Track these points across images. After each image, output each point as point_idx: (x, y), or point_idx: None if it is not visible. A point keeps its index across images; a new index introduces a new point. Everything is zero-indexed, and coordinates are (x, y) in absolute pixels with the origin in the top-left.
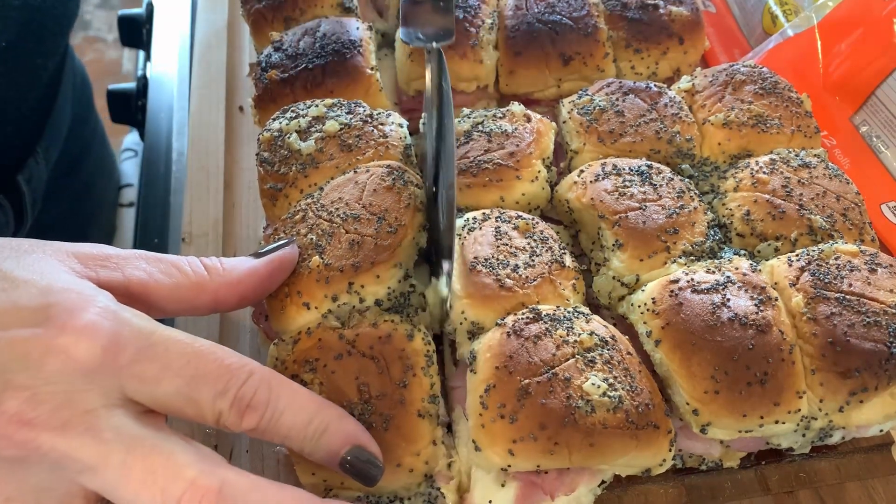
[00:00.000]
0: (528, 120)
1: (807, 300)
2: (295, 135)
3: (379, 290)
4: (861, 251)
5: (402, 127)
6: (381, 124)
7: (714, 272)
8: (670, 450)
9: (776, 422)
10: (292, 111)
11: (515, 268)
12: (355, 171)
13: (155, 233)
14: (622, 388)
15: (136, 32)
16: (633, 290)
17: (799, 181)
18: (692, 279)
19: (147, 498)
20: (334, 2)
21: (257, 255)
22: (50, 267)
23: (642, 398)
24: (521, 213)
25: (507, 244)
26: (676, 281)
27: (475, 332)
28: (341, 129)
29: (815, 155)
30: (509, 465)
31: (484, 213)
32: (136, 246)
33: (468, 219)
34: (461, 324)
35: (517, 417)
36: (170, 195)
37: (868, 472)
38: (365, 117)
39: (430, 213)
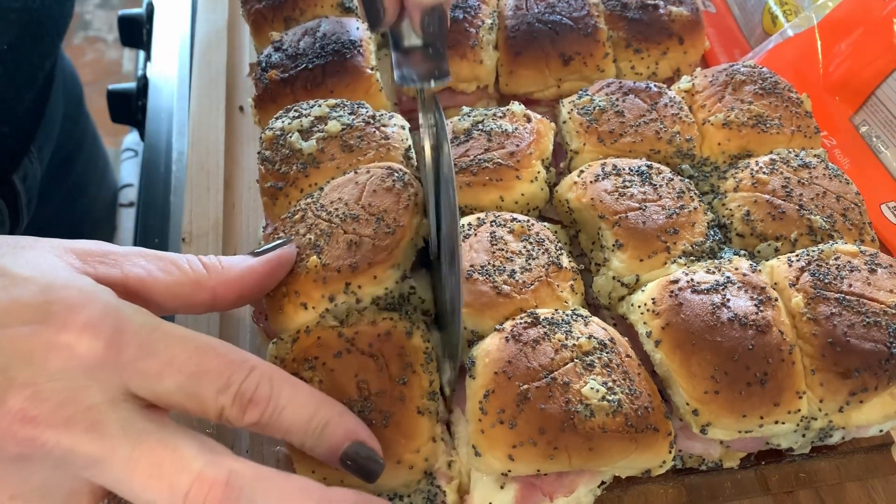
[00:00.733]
0: (528, 120)
1: (807, 300)
2: (297, 134)
3: (376, 291)
4: (861, 251)
5: (403, 129)
6: (384, 126)
7: (714, 272)
8: (670, 451)
9: (776, 422)
10: (295, 111)
11: (512, 273)
12: (356, 172)
13: (155, 233)
14: (621, 392)
15: (136, 32)
16: (633, 290)
17: (799, 181)
18: (692, 279)
19: (155, 491)
20: (334, 2)
21: (256, 253)
22: (49, 263)
23: (641, 401)
24: (516, 216)
25: (502, 249)
26: (676, 281)
27: (474, 339)
28: (343, 130)
29: (815, 155)
30: (509, 470)
31: (479, 218)
32: (135, 246)
33: (463, 224)
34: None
35: (517, 423)
36: (170, 195)
37: (868, 472)
38: (367, 118)
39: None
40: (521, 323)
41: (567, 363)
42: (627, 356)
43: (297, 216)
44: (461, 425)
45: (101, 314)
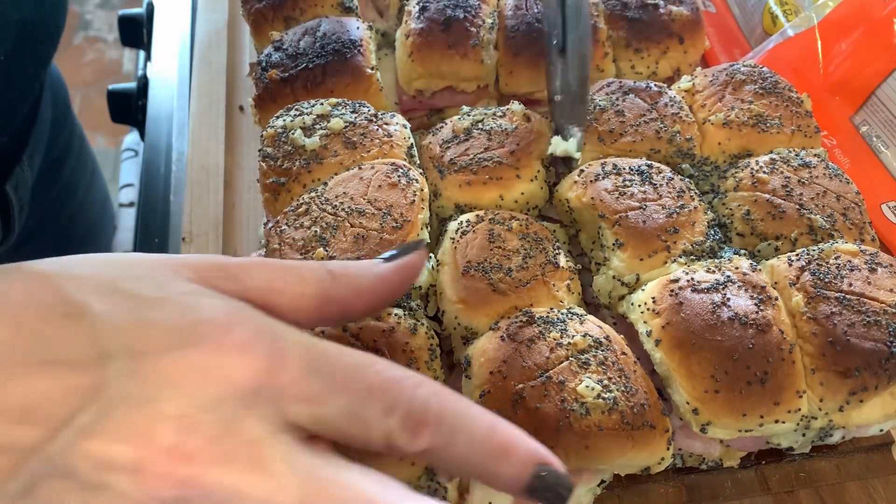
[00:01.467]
0: (528, 119)
1: (807, 300)
2: (299, 131)
3: None
4: (861, 251)
5: (405, 127)
6: (386, 124)
7: (714, 272)
8: (668, 448)
9: (776, 421)
10: (296, 109)
11: (508, 271)
12: (360, 168)
13: (155, 233)
14: (617, 390)
15: (136, 32)
16: (634, 289)
17: (799, 181)
18: (692, 278)
19: None
20: (335, 1)
21: (385, 259)
22: (174, 282)
23: (637, 398)
24: (515, 214)
25: (500, 247)
26: (676, 280)
27: (469, 337)
28: (346, 127)
29: (815, 155)
30: None
31: (478, 216)
32: (136, 246)
33: (461, 222)
34: (455, 329)
35: (512, 422)
36: (170, 195)
37: (868, 472)
38: (370, 116)
39: (549, 73)
40: (516, 322)
41: (562, 361)
42: (623, 353)
43: (300, 209)
44: None
45: (254, 333)
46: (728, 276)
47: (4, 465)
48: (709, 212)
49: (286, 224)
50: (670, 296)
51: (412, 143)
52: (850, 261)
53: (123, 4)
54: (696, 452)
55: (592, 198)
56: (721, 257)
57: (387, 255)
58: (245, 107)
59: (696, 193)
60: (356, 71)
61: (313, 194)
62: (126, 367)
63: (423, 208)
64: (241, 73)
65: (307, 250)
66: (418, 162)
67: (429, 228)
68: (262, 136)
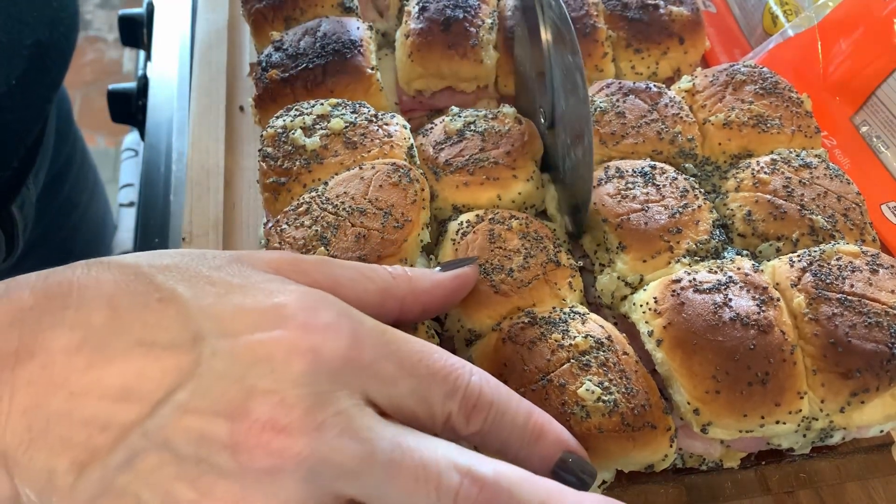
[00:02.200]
0: (519, 122)
1: (808, 301)
2: (300, 131)
3: None
4: (862, 252)
5: (405, 128)
6: (386, 124)
7: (716, 272)
8: (671, 445)
9: (777, 422)
10: (296, 109)
11: (510, 272)
12: (360, 168)
13: (155, 233)
14: (617, 392)
15: (136, 32)
16: (637, 289)
17: (800, 181)
18: (694, 279)
19: (421, 495)
20: (335, 1)
21: (443, 267)
22: (253, 272)
23: (638, 399)
24: (514, 213)
25: (501, 247)
26: (678, 280)
27: (472, 338)
28: (346, 127)
29: (815, 155)
30: None
31: (477, 216)
32: (136, 246)
33: (461, 222)
34: (458, 331)
35: None
36: (170, 195)
37: (868, 472)
38: (370, 116)
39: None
40: (517, 323)
41: (563, 364)
42: (625, 353)
43: (300, 208)
44: None
45: (337, 315)
46: (730, 277)
47: (106, 441)
48: (714, 211)
49: (286, 223)
50: (672, 296)
51: (412, 144)
52: (851, 262)
53: (123, 4)
54: (697, 453)
55: (595, 203)
56: (723, 258)
57: (444, 263)
58: (245, 107)
59: (700, 192)
60: (356, 71)
61: (314, 194)
62: (219, 347)
63: (424, 208)
64: (242, 73)
65: (308, 249)
66: (418, 162)
67: (429, 229)
68: (262, 136)
